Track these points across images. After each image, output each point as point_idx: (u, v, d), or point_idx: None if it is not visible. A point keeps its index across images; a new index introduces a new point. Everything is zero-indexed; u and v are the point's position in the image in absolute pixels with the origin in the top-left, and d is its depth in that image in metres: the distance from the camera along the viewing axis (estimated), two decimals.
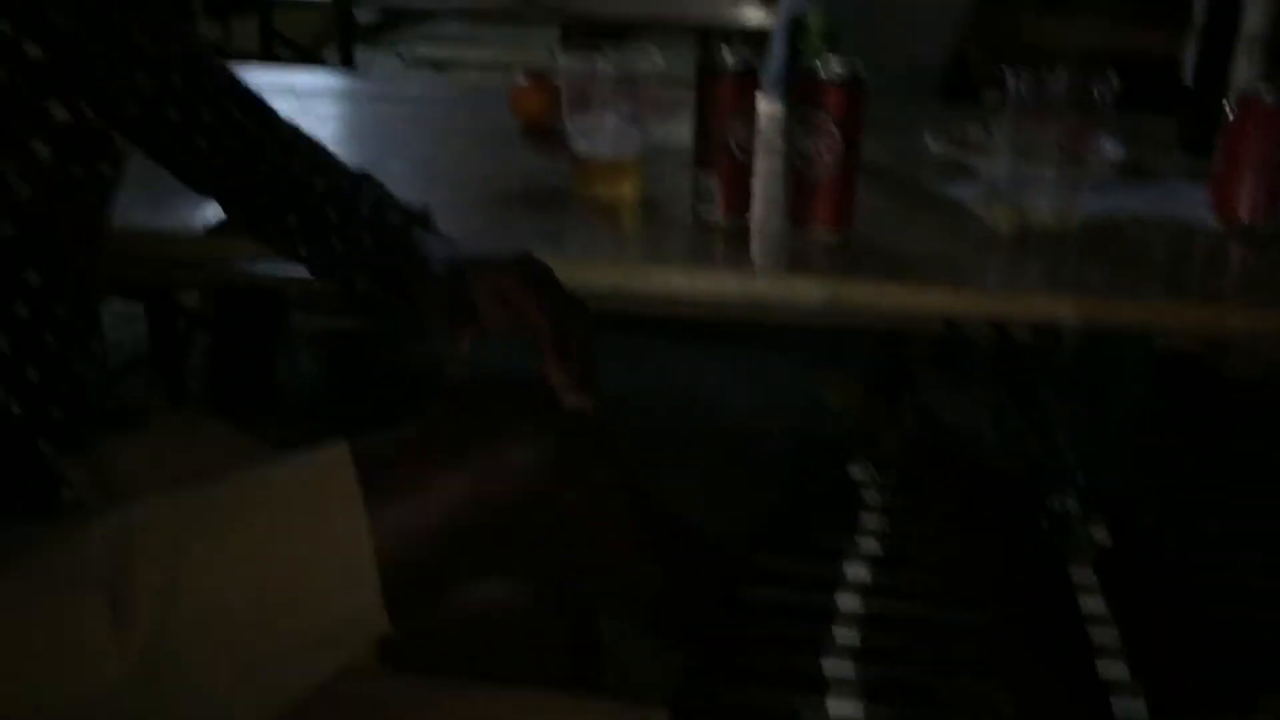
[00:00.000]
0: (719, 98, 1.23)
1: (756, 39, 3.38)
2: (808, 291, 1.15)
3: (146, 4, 0.99)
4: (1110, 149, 1.51)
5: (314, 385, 2.76)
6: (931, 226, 1.30)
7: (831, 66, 1.20)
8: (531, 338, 0.97)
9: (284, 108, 1.65)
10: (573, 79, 1.33)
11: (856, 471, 1.07)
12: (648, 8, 3.20)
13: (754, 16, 3.09)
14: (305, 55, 3.76)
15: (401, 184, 1.25)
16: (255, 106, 1.12)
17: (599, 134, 1.33)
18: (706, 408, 2.60)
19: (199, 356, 2.49)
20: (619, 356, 2.64)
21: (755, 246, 1.25)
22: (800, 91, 1.23)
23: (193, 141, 1.06)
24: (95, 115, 0.87)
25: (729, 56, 1.25)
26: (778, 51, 2.31)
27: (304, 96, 1.80)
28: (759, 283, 1.16)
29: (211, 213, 1.21)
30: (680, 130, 1.54)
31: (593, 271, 1.17)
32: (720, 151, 1.24)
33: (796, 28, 1.53)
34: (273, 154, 1.11)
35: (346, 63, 3.64)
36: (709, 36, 4.17)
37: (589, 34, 4.32)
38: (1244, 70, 1.57)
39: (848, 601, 0.79)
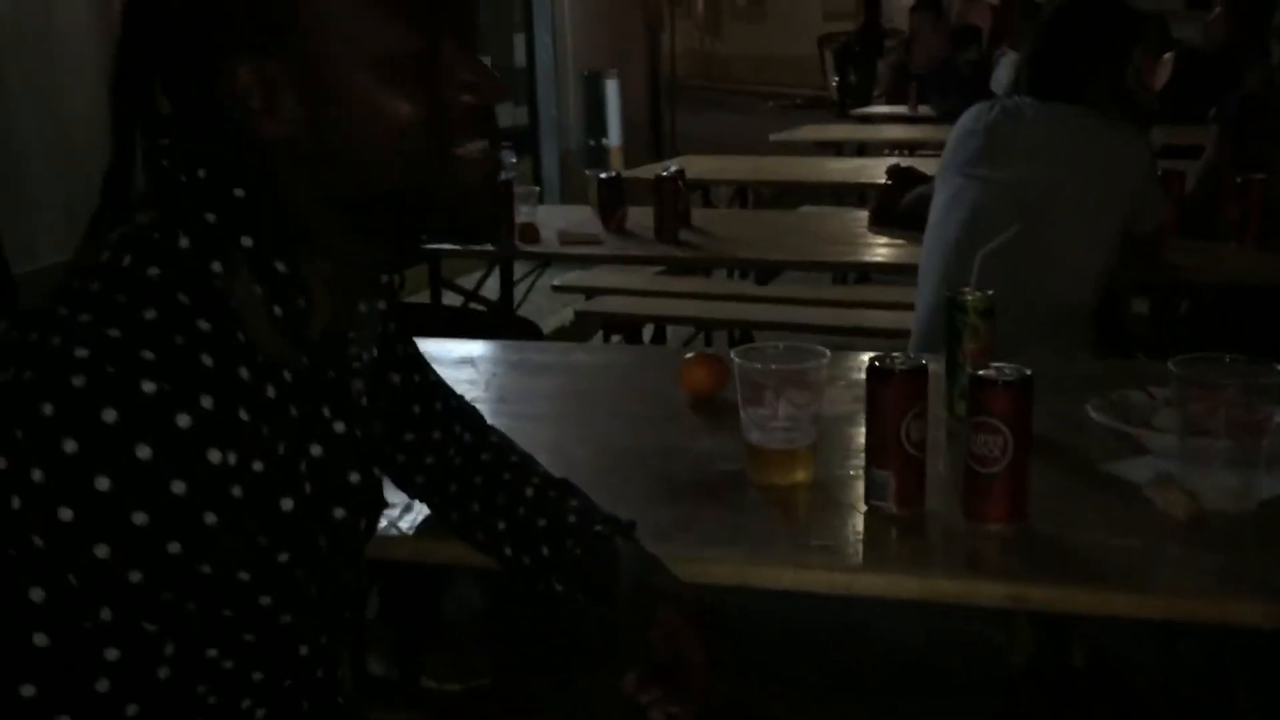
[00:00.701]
0: (891, 398, 1.29)
1: (892, 269, 3.45)
2: (988, 592, 1.18)
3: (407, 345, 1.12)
4: None
5: (476, 616, 2.83)
6: (1104, 513, 1.32)
7: (1003, 372, 1.26)
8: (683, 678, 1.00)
9: (465, 378, 1.78)
10: (746, 374, 1.41)
11: None
12: (786, 250, 3.32)
13: (881, 252, 3.19)
14: (469, 296, 4.00)
15: (585, 470, 1.34)
16: (474, 422, 1.24)
17: (772, 426, 1.40)
18: (872, 640, 2.58)
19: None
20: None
21: (931, 542, 1.28)
22: (970, 394, 1.28)
23: (422, 459, 1.18)
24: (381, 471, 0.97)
25: (899, 358, 1.31)
26: (922, 313, 2.38)
27: (482, 367, 1.93)
28: (939, 585, 1.20)
29: (415, 514, 1.31)
30: (840, 397, 1.61)
31: (772, 573, 1.23)
32: (893, 448, 1.29)
33: (953, 306, 1.59)
34: (487, 464, 1.21)
35: (506, 299, 3.85)
36: (845, 273, 4.29)
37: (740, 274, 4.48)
38: None
39: None
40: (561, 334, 4.99)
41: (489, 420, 1.29)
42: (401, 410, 1.14)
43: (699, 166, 4.68)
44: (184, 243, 0.82)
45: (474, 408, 1.27)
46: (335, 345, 0.92)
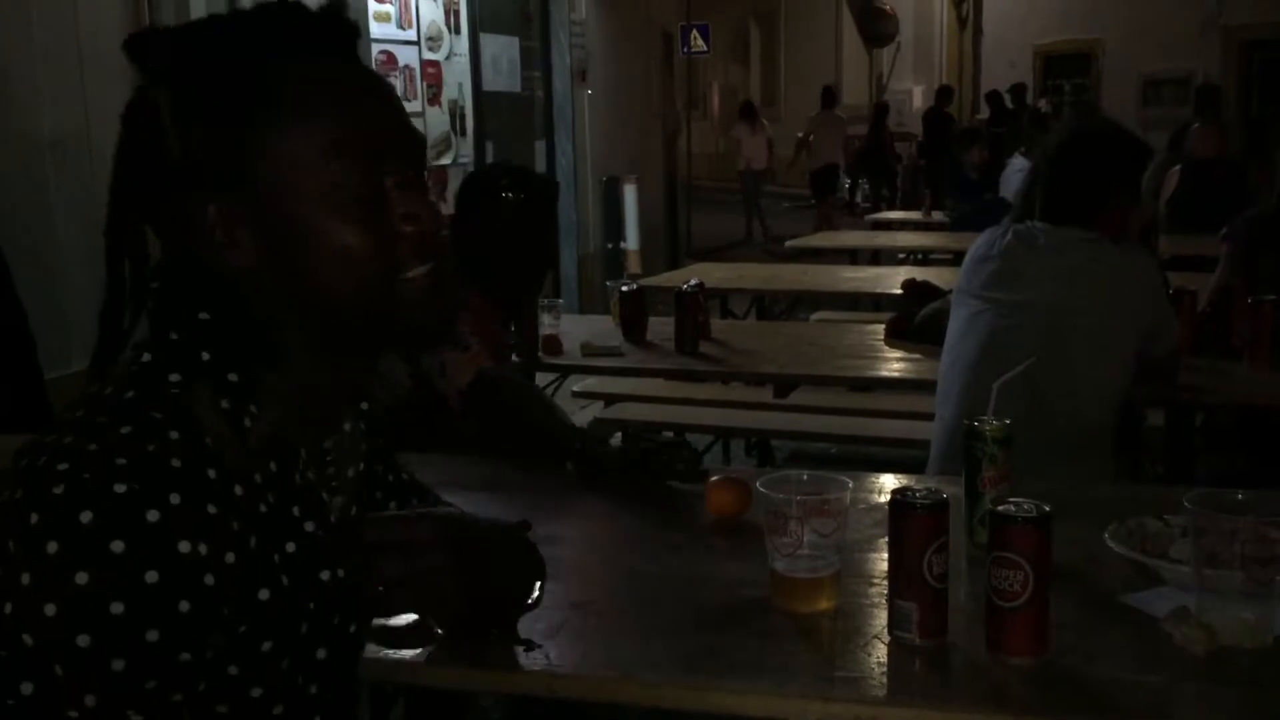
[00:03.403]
0: (913, 532, 1.33)
1: (909, 385, 3.48)
2: None
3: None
4: None
5: None
6: (1124, 647, 1.35)
7: (1022, 508, 1.29)
8: None
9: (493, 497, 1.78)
10: (771, 503, 1.44)
11: None
12: (804, 364, 3.36)
13: (898, 366, 3.22)
14: None
15: (614, 596, 1.40)
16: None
17: (797, 554, 1.43)
18: None
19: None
20: None
21: (955, 675, 1.31)
22: (990, 529, 1.32)
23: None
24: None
25: (920, 492, 1.35)
26: (941, 433, 2.42)
27: (510, 488, 1.97)
28: None
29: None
30: (860, 521, 1.64)
31: (798, 706, 1.25)
32: (916, 581, 1.33)
33: (971, 435, 1.63)
34: None
35: None
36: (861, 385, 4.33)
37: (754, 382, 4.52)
38: None
39: None
40: None
41: None
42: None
43: (716, 275, 4.77)
44: (146, 357, 0.93)
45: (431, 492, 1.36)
46: (298, 455, 0.99)
